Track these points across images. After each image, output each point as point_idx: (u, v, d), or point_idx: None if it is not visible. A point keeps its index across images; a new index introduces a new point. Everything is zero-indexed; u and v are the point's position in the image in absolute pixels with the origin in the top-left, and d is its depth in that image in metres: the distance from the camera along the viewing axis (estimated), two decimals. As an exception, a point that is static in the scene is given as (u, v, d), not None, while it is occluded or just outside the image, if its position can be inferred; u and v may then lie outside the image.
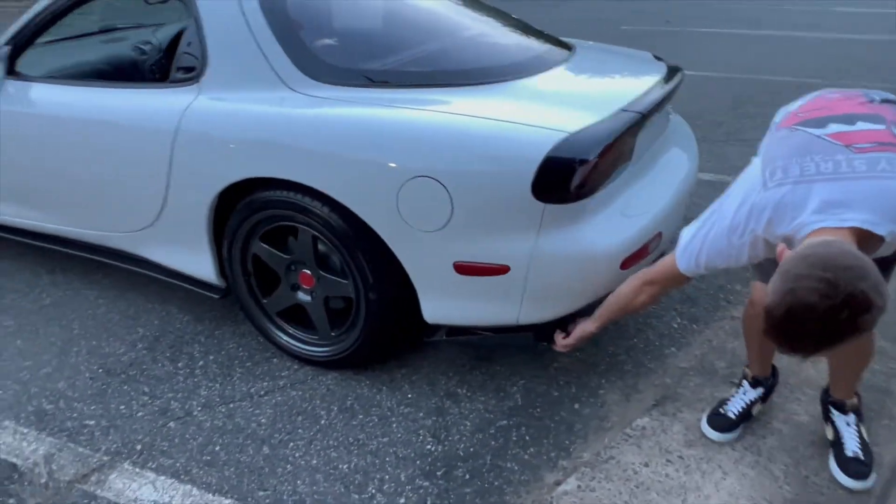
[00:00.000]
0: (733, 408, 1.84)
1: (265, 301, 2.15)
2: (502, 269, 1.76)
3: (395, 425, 1.91)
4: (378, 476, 1.74)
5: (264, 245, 2.04)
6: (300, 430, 1.90)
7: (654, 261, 1.96)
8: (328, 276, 1.99)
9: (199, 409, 1.98)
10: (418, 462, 1.78)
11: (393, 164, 1.74)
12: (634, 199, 1.89)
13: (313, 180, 1.82)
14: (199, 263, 2.20)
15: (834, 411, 1.75)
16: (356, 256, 1.87)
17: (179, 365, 2.17)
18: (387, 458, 1.80)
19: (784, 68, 6.25)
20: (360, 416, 1.95)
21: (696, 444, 1.82)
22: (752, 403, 1.85)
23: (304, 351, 2.12)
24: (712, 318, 2.39)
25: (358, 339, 1.99)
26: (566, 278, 1.76)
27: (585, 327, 1.77)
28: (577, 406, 1.98)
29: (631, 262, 1.80)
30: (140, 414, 1.97)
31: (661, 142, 2.20)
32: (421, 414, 1.95)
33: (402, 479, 1.73)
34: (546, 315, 1.84)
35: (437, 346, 2.24)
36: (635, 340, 2.27)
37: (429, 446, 1.84)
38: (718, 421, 1.83)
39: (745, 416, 1.83)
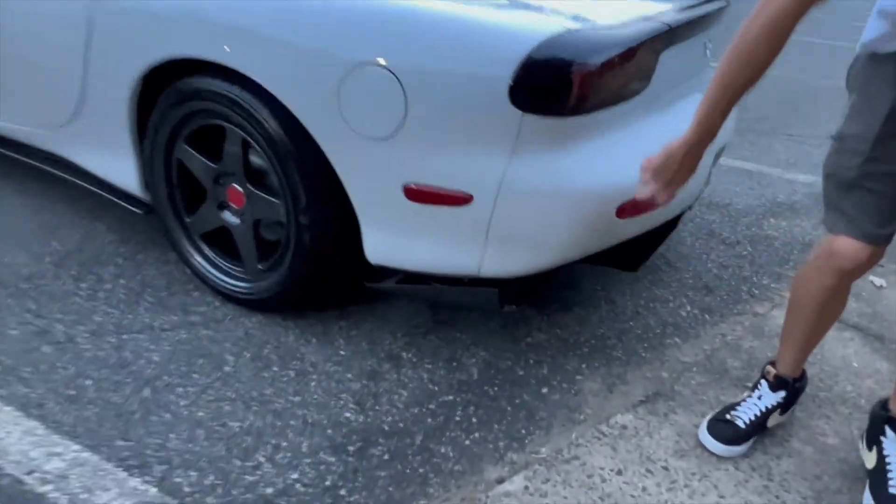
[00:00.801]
0: (744, 414, 1.42)
1: (189, 220, 1.79)
2: (463, 199, 1.37)
3: (313, 384, 1.54)
4: (273, 442, 1.37)
5: (189, 149, 1.68)
6: (196, 375, 1.53)
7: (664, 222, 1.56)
8: (258, 192, 1.62)
9: (86, 335, 1.63)
10: (329, 431, 1.41)
11: (337, 48, 1.36)
12: (647, 136, 1.48)
13: (240, 62, 1.45)
14: (123, 170, 1.84)
15: (889, 432, 1.32)
16: (288, 168, 1.49)
17: (83, 285, 1.83)
18: (291, 422, 1.42)
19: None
20: (275, 369, 1.58)
21: (689, 454, 1.41)
22: (769, 411, 1.43)
23: (225, 285, 1.75)
24: (730, 312, 1.96)
25: (287, 275, 1.62)
26: (543, 219, 1.36)
27: (674, 143, 1.11)
28: (545, 391, 1.58)
29: (631, 211, 1.39)
30: (14, 332, 1.62)
31: (692, 83, 1.78)
32: (349, 375, 1.58)
33: (304, 449, 1.36)
34: (514, 267, 1.44)
35: (389, 301, 1.85)
36: (632, 324, 1.86)
37: (348, 414, 1.46)
38: (722, 429, 1.42)
39: (759, 426, 1.42)
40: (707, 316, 1.93)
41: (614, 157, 1.38)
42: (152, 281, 1.87)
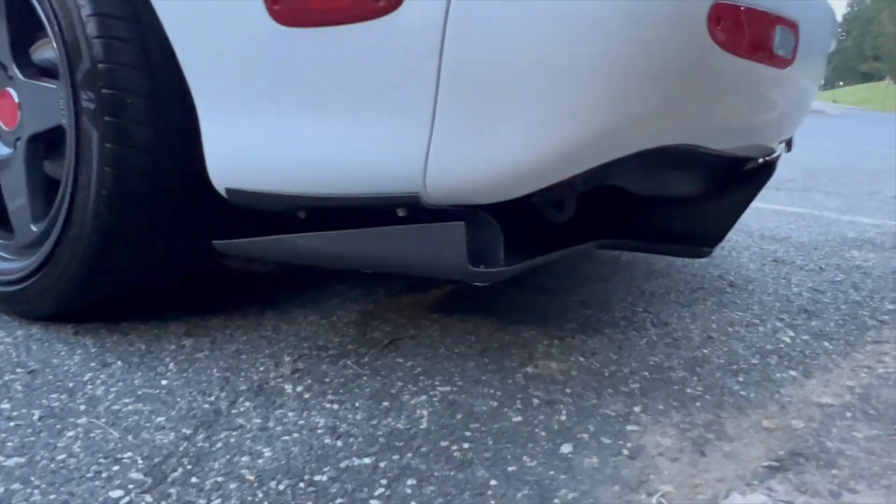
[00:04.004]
0: None
1: (-62, 167, 1.05)
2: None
3: (71, 434, 0.72)
4: None
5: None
6: None
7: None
8: (30, 81, 0.90)
9: None
10: None
11: None
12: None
13: None
14: None
15: None
16: None
17: None
18: (-34, 510, 0.60)
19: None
20: (3, 407, 0.77)
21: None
22: None
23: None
24: (861, 339, 1.19)
25: (59, 237, 0.86)
26: (554, 33, 0.64)
27: None
28: (566, 450, 0.77)
29: (732, 28, 0.68)
30: None
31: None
32: (160, 419, 0.76)
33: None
34: (496, 169, 0.69)
35: (286, 310, 1.08)
36: (705, 352, 1.07)
37: (117, 494, 0.64)
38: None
39: None
40: (827, 343, 1.15)
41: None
42: None
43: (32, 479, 0.64)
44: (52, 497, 0.62)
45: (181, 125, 0.80)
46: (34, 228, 0.93)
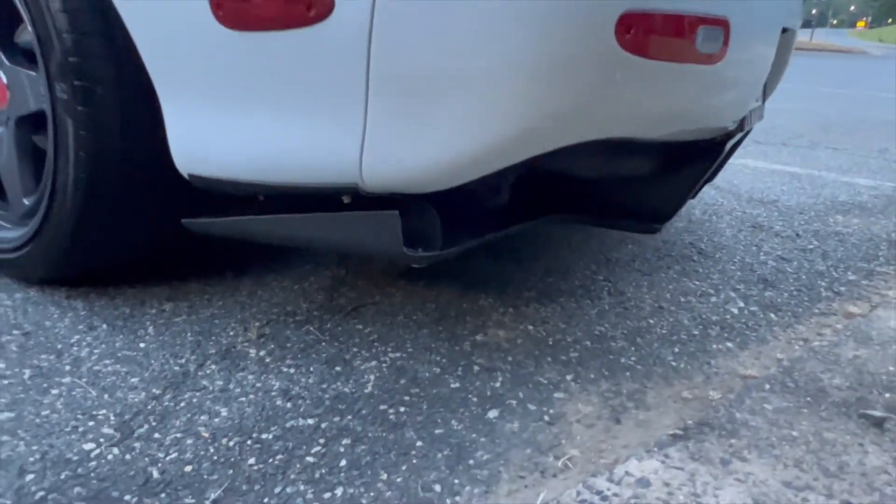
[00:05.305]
0: None
1: (-59, 141, 1.14)
2: (312, 4, 0.71)
3: (55, 393, 0.83)
4: None
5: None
6: None
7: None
8: (15, 66, 0.97)
9: None
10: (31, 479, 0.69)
11: None
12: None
13: None
14: None
15: None
16: (35, -2, 0.85)
17: None
18: (-38, 457, 0.71)
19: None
20: None
21: (783, 544, 0.67)
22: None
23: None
24: (808, 311, 1.24)
25: (45, 213, 0.95)
26: (470, 35, 0.69)
27: None
28: (493, 415, 0.85)
29: (641, 32, 0.72)
30: None
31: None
32: (134, 380, 0.86)
33: (-50, 513, 0.64)
34: (424, 159, 0.75)
35: (261, 277, 1.17)
36: (651, 322, 1.14)
37: (89, 446, 0.74)
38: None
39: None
40: (773, 315, 1.21)
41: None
42: None
43: (19, 432, 0.75)
44: (34, 448, 0.72)
45: (150, 112, 0.87)
46: (26, 202, 1.02)
